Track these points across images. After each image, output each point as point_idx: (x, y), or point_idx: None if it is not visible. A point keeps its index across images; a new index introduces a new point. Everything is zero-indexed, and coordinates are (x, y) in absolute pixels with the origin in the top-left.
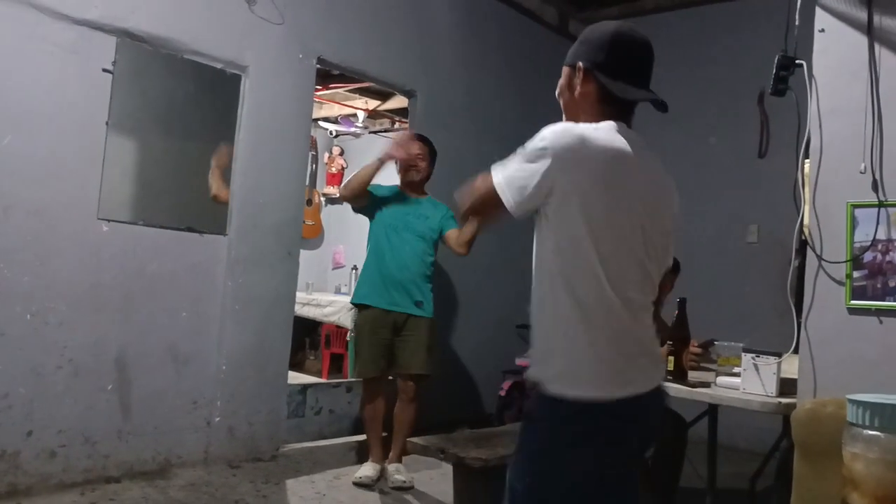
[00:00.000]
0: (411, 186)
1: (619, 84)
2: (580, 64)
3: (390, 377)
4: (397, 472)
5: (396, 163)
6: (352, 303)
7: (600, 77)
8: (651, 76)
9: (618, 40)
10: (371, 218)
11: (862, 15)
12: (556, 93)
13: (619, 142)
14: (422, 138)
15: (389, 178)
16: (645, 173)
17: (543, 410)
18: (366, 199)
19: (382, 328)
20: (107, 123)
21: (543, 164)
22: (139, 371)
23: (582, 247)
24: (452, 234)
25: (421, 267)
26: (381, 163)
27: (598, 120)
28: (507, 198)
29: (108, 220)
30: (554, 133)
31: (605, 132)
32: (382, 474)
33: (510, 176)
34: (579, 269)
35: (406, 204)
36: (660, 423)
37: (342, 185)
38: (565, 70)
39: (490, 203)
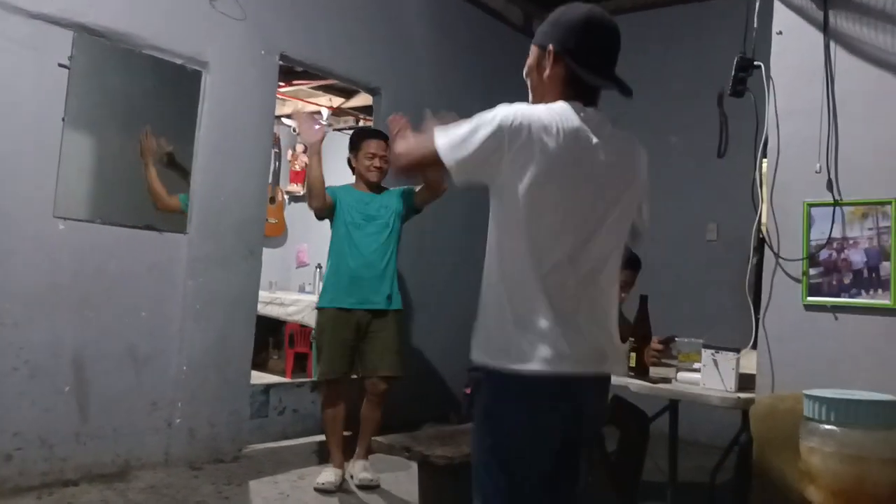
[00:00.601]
0: (371, 187)
1: (587, 69)
2: (550, 47)
3: (354, 376)
4: (364, 470)
5: (354, 159)
6: (317, 307)
7: (569, 61)
8: (617, 61)
9: (589, 25)
10: (332, 220)
11: (818, 18)
12: (524, 72)
13: (573, 119)
14: (383, 136)
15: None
16: (602, 149)
17: (482, 382)
18: (330, 204)
19: (344, 328)
20: (63, 120)
21: (491, 132)
22: (97, 372)
23: (528, 224)
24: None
25: (384, 260)
26: (314, 154)
27: (561, 100)
28: (449, 157)
29: (65, 219)
30: (507, 108)
31: (559, 110)
32: (344, 478)
33: (454, 137)
34: (520, 246)
35: (364, 199)
36: (601, 410)
37: (307, 200)
38: (534, 50)
39: (429, 161)
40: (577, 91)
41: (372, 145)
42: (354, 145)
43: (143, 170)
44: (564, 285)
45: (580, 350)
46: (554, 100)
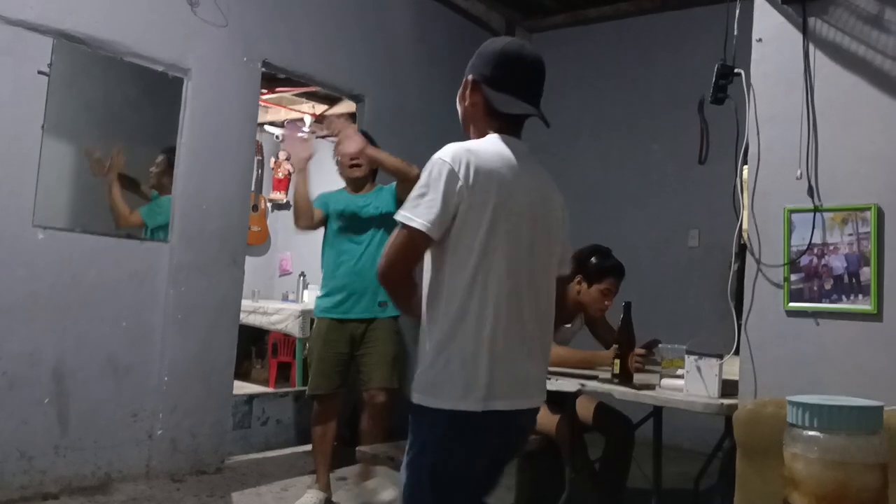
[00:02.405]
0: (355, 184)
1: (503, 97)
2: (470, 77)
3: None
4: (378, 490)
5: (336, 161)
6: (315, 316)
7: (485, 90)
8: (540, 92)
9: (505, 56)
10: (325, 229)
11: (798, 26)
12: (457, 100)
13: (504, 152)
14: (360, 133)
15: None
16: (528, 181)
17: (416, 415)
18: (320, 217)
19: (337, 341)
20: (42, 128)
21: (443, 183)
22: (77, 383)
23: (461, 259)
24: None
25: (375, 266)
26: (300, 172)
27: (486, 130)
28: (421, 223)
29: (44, 228)
30: (442, 156)
31: (489, 144)
32: (330, 501)
33: (414, 208)
34: (452, 285)
35: (354, 202)
36: (526, 435)
37: (294, 220)
38: (464, 82)
39: (409, 244)
40: (499, 121)
41: (344, 145)
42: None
43: (106, 188)
44: (496, 320)
45: (510, 387)
46: (478, 127)
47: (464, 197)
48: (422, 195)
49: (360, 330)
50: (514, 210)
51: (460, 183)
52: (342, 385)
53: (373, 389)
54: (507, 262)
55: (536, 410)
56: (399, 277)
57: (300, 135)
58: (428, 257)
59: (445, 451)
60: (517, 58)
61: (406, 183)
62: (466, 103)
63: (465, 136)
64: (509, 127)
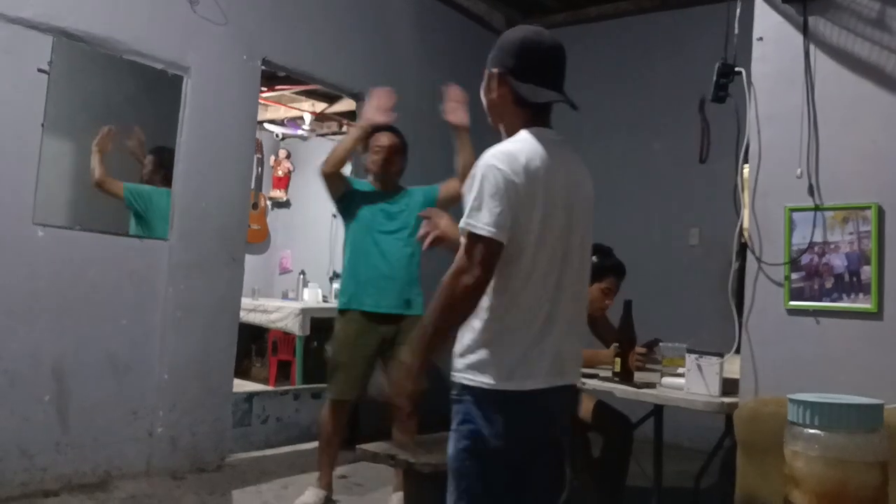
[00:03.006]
0: (385, 182)
1: (529, 86)
2: (494, 70)
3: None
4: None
5: (368, 161)
6: (338, 309)
7: (511, 81)
8: (563, 76)
9: (526, 45)
10: (349, 217)
11: (798, 24)
12: (481, 94)
13: (539, 149)
14: (393, 130)
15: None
16: (564, 171)
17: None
18: (342, 183)
19: (366, 345)
20: (42, 125)
21: (501, 189)
22: (77, 381)
23: (512, 254)
24: (450, 186)
25: (409, 266)
26: (362, 130)
27: (515, 121)
28: (493, 231)
29: (44, 226)
30: (492, 162)
31: (526, 142)
32: (329, 499)
33: (480, 218)
34: (507, 274)
35: (385, 201)
36: (568, 413)
37: (323, 164)
38: (485, 74)
39: (487, 255)
40: (528, 110)
41: (379, 138)
42: (365, 143)
43: (93, 162)
44: (539, 306)
45: (560, 369)
46: (508, 119)
47: (520, 199)
48: (482, 203)
49: (391, 332)
50: (556, 203)
51: (514, 187)
52: (365, 390)
53: None
54: (551, 251)
55: (575, 388)
56: (482, 291)
57: (383, 107)
58: None
59: (488, 425)
60: (538, 46)
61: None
62: (493, 96)
63: (488, 130)
64: (538, 116)
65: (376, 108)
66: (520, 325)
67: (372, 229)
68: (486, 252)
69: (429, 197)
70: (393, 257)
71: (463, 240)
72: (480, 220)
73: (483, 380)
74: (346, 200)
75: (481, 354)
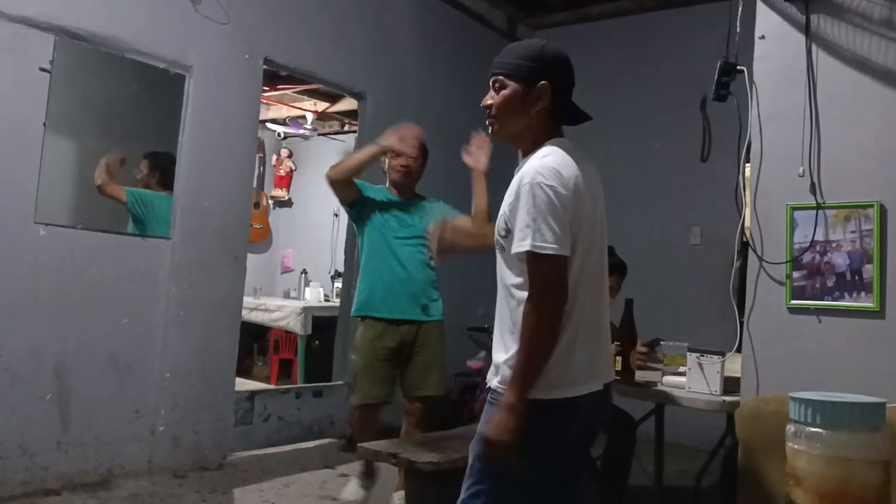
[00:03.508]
0: (402, 188)
1: (568, 102)
2: (544, 82)
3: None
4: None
5: (386, 160)
6: (353, 314)
7: (558, 97)
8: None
9: (566, 62)
10: (363, 223)
11: (800, 23)
12: (495, 108)
13: (571, 162)
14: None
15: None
16: (590, 182)
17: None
18: (353, 191)
19: (385, 347)
20: (44, 124)
21: (558, 206)
22: (79, 379)
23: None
24: (467, 220)
25: (427, 272)
26: (379, 149)
27: (543, 133)
28: (559, 248)
29: (46, 224)
30: (541, 180)
31: (562, 157)
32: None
33: (542, 237)
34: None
35: (402, 207)
36: (604, 416)
37: (331, 170)
38: (512, 86)
39: (559, 272)
40: (555, 125)
41: (414, 146)
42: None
43: (98, 169)
44: (582, 313)
45: (598, 370)
46: (537, 132)
47: (571, 213)
48: (541, 222)
49: (412, 333)
50: (589, 214)
51: (566, 201)
52: (391, 394)
53: (420, 397)
54: (590, 260)
55: (609, 388)
56: (563, 310)
57: (412, 141)
58: (515, 265)
59: (541, 434)
60: (569, 62)
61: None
62: (535, 109)
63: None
64: (558, 130)
65: (401, 138)
66: (571, 336)
67: (387, 235)
68: (559, 270)
69: (449, 211)
70: (409, 263)
71: (525, 264)
72: (545, 239)
73: (540, 392)
74: (359, 206)
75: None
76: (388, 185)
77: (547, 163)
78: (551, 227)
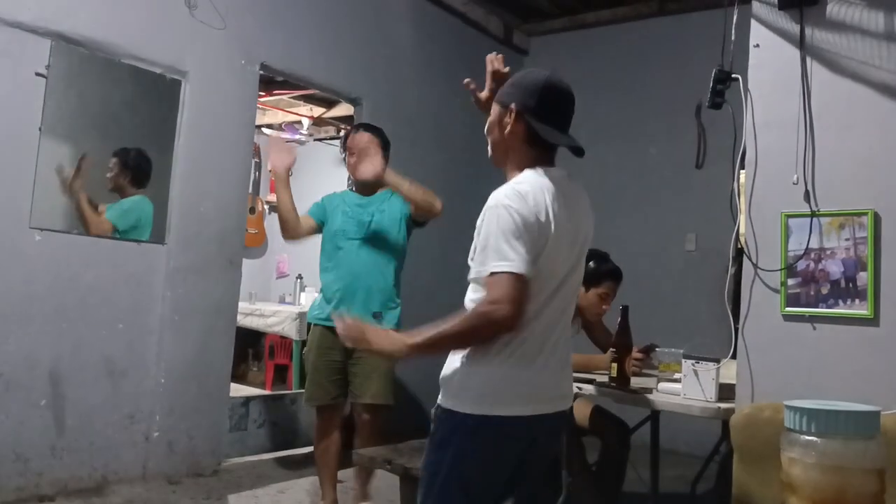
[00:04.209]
0: (360, 185)
1: (546, 128)
2: (513, 106)
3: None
4: None
5: (346, 163)
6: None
7: (530, 120)
8: (571, 122)
9: (548, 89)
10: (324, 230)
11: (795, 32)
12: (486, 129)
13: (549, 186)
14: (369, 128)
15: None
16: (568, 207)
17: (445, 420)
18: (309, 223)
19: (331, 349)
20: (40, 129)
21: (521, 229)
22: (74, 385)
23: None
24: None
25: (379, 273)
26: (277, 178)
27: (523, 159)
28: (522, 268)
29: (41, 230)
30: (505, 203)
31: (535, 181)
32: None
33: (503, 257)
34: None
35: (357, 204)
36: (556, 441)
37: (281, 232)
38: (496, 108)
39: (523, 290)
40: (537, 150)
41: (357, 139)
42: (343, 144)
43: (73, 198)
44: (532, 337)
45: (542, 393)
46: (514, 155)
47: (533, 238)
48: (503, 243)
49: None
50: (563, 239)
51: (529, 225)
52: (340, 395)
53: (362, 405)
54: (554, 284)
55: (564, 416)
56: (512, 329)
57: (284, 141)
58: (481, 285)
59: (471, 454)
60: (559, 91)
61: (422, 212)
62: (506, 132)
63: (483, 159)
64: (545, 155)
65: (277, 153)
66: (512, 353)
67: (338, 237)
68: (520, 288)
69: (405, 212)
70: (360, 267)
71: (485, 281)
72: (506, 257)
73: (464, 406)
74: (323, 225)
75: (478, 380)
76: (349, 182)
77: (514, 188)
78: (514, 248)
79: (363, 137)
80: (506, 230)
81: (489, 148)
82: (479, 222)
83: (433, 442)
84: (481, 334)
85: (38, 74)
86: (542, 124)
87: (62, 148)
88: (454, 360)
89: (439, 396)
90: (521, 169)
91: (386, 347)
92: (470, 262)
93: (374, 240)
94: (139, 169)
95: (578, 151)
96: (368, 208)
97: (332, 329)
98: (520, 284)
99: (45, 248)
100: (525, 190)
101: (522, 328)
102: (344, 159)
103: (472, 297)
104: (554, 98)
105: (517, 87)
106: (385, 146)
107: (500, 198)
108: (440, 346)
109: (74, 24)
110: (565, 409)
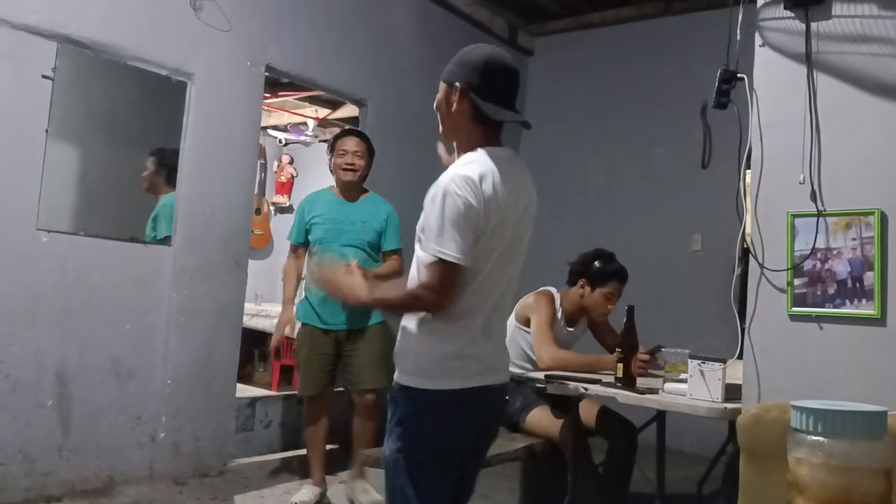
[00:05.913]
0: (346, 189)
1: (490, 105)
2: (457, 84)
3: (340, 389)
4: (364, 493)
5: (330, 163)
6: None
7: (474, 98)
8: (517, 98)
9: (491, 66)
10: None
11: (801, 31)
12: (434, 106)
13: (494, 168)
14: (358, 134)
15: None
16: (516, 189)
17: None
18: (303, 256)
19: (322, 345)
20: (46, 131)
21: (462, 215)
22: (80, 386)
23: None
24: (385, 266)
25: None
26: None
27: (470, 137)
28: (459, 257)
29: (48, 231)
30: (451, 188)
31: (482, 163)
32: (322, 498)
33: (444, 242)
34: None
35: (341, 211)
36: (496, 414)
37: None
38: (443, 87)
39: (456, 278)
40: (483, 126)
41: (345, 143)
42: (331, 146)
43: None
44: (480, 312)
45: (490, 364)
46: (462, 133)
47: (478, 223)
48: (447, 230)
49: (343, 335)
50: (508, 220)
51: (474, 212)
52: (330, 385)
53: (361, 391)
54: (497, 264)
55: (505, 387)
56: (443, 314)
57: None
58: (417, 258)
59: (428, 426)
60: (502, 67)
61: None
62: (453, 109)
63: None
64: (492, 133)
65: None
66: (461, 330)
67: (325, 242)
68: (456, 278)
69: (389, 222)
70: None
71: (428, 259)
72: (449, 248)
73: (421, 381)
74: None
75: (429, 358)
76: (332, 186)
77: (462, 171)
78: (454, 238)
79: (352, 141)
80: (450, 217)
81: (440, 125)
82: (427, 197)
83: (395, 421)
84: (412, 311)
85: (44, 77)
86: (486, 102)
87: (68, 150)
88: (408, 337)
89: (395, 374)
90: (470, 147)
91: (345, 296)
92: (420, 232)
93: (360, 247)
94: (174, 168)
95: (525, 125)
96: (354, 214)
97: (319, 329)
98: (455, 274)
99: (51, 249)
100: (471, 172)
101: (473, 305)
102: (329, 160)
103: (422, 272)
104: (498, 75)
105: (461, 64)
106: (371, 153)
107: (448, 182)
108: (384, 309)
109: (80, 26)
110: (506, 380)
